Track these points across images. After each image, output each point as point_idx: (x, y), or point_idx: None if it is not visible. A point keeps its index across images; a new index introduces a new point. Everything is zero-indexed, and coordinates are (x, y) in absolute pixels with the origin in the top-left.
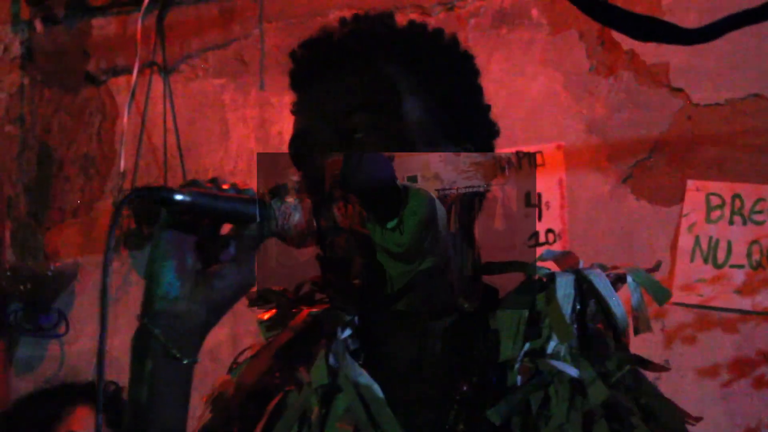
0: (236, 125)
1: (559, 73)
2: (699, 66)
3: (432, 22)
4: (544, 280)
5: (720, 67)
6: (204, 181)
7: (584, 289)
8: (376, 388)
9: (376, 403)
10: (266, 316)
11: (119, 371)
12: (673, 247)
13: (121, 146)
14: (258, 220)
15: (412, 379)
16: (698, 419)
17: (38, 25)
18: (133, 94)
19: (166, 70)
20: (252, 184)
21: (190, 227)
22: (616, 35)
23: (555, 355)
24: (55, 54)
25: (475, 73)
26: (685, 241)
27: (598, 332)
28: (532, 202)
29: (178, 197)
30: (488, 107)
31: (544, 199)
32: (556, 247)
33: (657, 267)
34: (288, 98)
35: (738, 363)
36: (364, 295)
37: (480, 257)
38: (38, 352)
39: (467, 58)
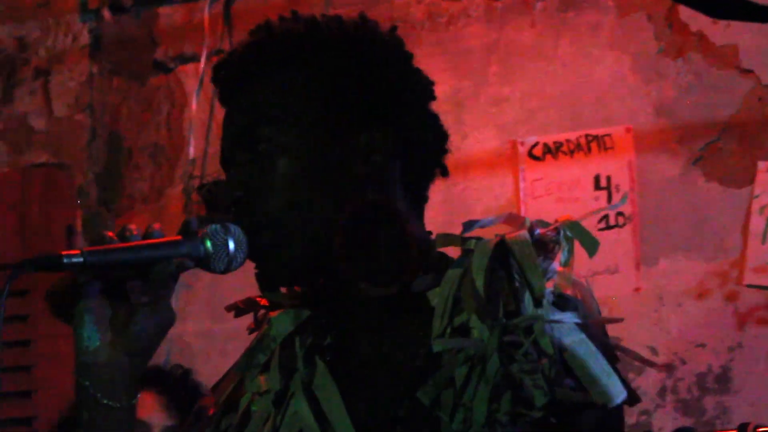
0: None
1: (627, 56)
2: None
3: (499, 6)
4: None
5: None
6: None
7: (501, 259)
8: (331, 388)
9: (328, 403)
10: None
11: (191, 357)
12: (745, 229)
13: (190, 134)
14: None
15: (364, 367)
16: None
17: (106, 14)
18: (201, 82)
19: None
20: None
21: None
22: (685, 17)
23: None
24: (123, 42)
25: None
26: (757, 223)
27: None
28: (600, 185)
29: (68, 261)
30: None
31: (613, 182)
32: (627, 231)
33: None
34: None
35: None
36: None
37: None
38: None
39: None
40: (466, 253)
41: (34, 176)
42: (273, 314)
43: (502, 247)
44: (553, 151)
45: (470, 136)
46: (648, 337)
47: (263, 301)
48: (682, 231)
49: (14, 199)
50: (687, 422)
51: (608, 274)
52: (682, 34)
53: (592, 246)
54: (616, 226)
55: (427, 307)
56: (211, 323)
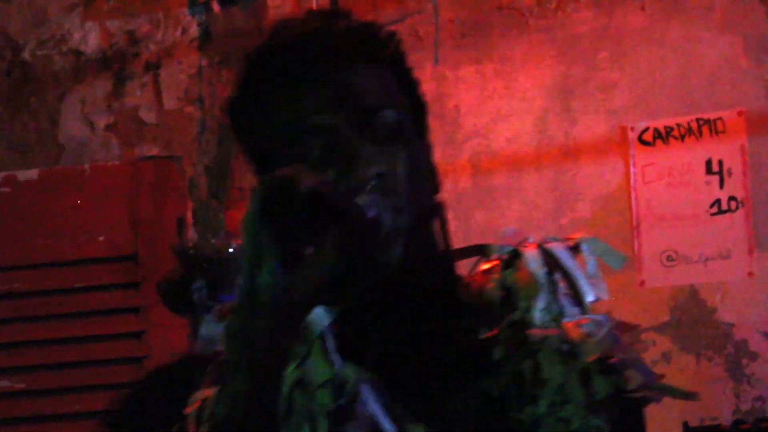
0: None
1: (739, 37)
2: None
3: None
4: (505, 257)
5: None
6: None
7: (550, 263)
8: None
9: (379, 393)
10: None
11: None
12: None
13: None
14: None
15: (404, 363)
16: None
17: (215, 7)
18: None
19: None
20: None
21: None
22: None
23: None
24: (232, 35)
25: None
26: None
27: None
28: (713, 169)
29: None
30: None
31: (725, 166)
32: (739, 215)
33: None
34: (463, 72)
35: None
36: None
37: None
38: (220, 330)
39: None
40: (506, 259)
41: (145, 169)
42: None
43: (546, 252)
44: (663, 136)
45: (580, 122)
46: (762, 323)
47: None
48: None
49: (126, 192)
50: (738, 415)
51: (721, 260)
52: None
53: (618, 262)
54: (729, 210)
55: (463, 305)
56: None
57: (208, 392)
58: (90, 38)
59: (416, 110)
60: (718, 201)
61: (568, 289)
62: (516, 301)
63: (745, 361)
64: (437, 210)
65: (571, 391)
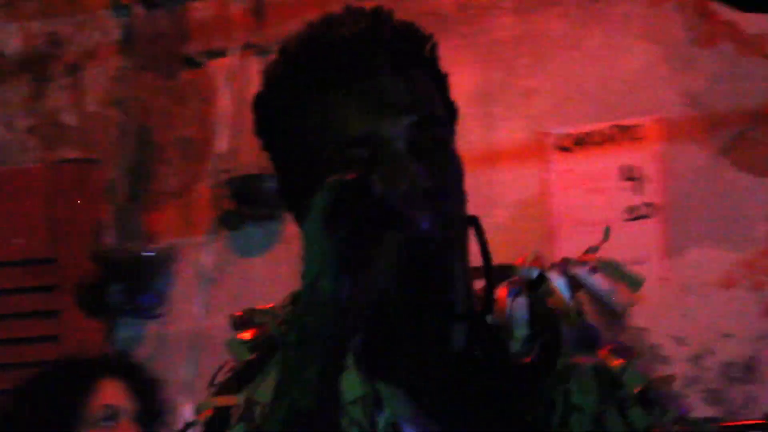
0: None
1: (657, 46)
2: None
3: None
4: (531, 280)
5: None
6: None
7: (575, 287)
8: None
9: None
10: (247, 336)
11: (219, 351)
12: None
13: (220, 128)
14: None
15: (436, 385)
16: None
17: (137, 10)
18: (231, 77)
19: (263, 52)
20: None
21: None
22: (715, 5)
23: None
24: (154, 37)
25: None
26: None
27: (593, 329)
28: (629, 175)
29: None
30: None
31: (642, 173)
32: (655, 221)
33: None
34: None
35: None
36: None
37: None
38: (137, 332)
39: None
40: (531, 281)
41: (64, 171)
42: None
43: (571, 277)
44: (581, 142)
45: (499, 127)
46: (675, 328)
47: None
48: (710, 221)
49: (43, 194)
50: (713, 412)
51: (635, 265)
52: (712, 23)
53: (635, 284)
54: (644, 216)
55: (491, 327)
56: None
57: (226, 400)
58: (11, 40)
59: (451, 116)
60: (634, 207)
61: (596, 312)
62: (546, 326)
63: (657, 366)
64: (474, 222)
65: (608, 421)
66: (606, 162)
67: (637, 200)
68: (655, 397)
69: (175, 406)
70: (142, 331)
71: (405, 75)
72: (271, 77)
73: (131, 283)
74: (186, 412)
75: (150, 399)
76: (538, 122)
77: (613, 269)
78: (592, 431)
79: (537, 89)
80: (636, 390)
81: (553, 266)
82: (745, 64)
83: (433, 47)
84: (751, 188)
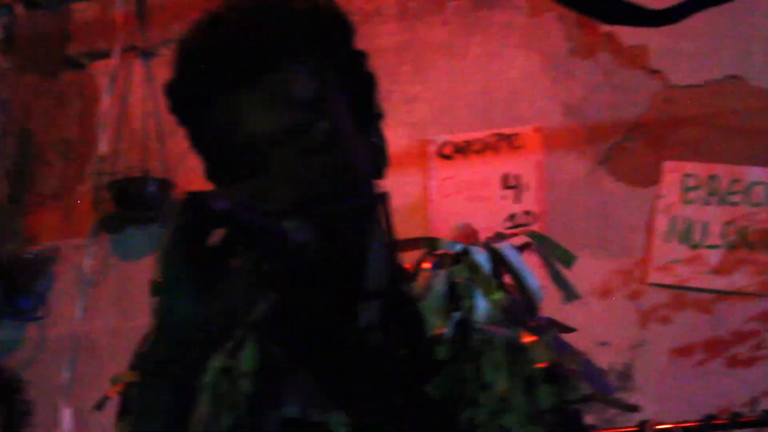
0: None
1: (538, 56)
2: (677, 48)
3: (414, 6)
4: (452, 253)
5: (698, 49)
6: None
7: (497, 262)
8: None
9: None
10: None
11: (99, 354)
12: (650, 227)
13: (101, 130)
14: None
15: (344, 356)
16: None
17: (19, 10)
18: (113, 79)
19: (146, 54)
20: None
21: None
22: None
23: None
24: (36, 38)
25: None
26: (661, 222)
27: (516, 303)
28: (509, 184)
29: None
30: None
31: (522, 181)
32: (534, 229)
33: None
34: None
35: (713, 342)
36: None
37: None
38: (17, 335)
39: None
40: (454, 255)
41: None
42: None
43: (495, 251)
44: (462, 150)
45: None
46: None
47: None
48: (588, 230)
49: None
50: (589, 420)
51: None
52: (592, 34)
53: (568, 260)
54: (524, 224)
55: (410, 299)
56: (121, 321)
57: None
58: None
59: (366, 89)
60: (513, 215)
61: (516, 289)
62: (462, 299)
63: None
64: (382, 200)
65: (513, 399)
66: (486, 170)
67: (517, 208)
68: (563, 374)
69: (55, 408)
70: (22, 333)
71: (294, 71)
72: (173, 64)
73: (10, 285)
74: (65, 414)
75: (13, 400)
76: (420, 130)
77: (545, 244)
78: (499, 410)
79: (419, 96)
80: (541, 366)
81: (477, 241)
82: (622, 75)
83: (340, 28)
84: (627, 198)
